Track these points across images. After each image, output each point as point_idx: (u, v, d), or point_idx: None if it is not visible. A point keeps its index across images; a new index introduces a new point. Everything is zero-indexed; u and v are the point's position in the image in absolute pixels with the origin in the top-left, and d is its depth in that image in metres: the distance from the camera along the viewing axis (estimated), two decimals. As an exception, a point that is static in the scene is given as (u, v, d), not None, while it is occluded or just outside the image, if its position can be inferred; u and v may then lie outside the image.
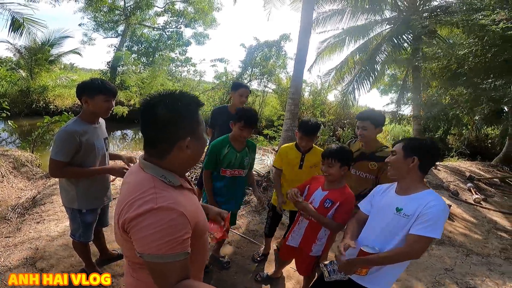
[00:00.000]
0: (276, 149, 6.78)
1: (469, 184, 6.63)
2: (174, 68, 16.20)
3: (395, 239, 1.48)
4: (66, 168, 1.82)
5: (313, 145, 2.49)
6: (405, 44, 9.37)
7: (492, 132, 14.25)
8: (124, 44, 16.43)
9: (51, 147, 1.84)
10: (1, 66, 12.00)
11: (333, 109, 13.90)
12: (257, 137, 8.91)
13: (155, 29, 17.41)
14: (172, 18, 17.08)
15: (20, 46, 14.14)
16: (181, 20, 16.86)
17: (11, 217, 3.30)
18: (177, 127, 0.92)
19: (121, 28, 16.74)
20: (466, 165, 9.11)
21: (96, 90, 1.86)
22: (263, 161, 5.51)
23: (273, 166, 2.61)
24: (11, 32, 6.66)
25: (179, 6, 16.77)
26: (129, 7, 15.66)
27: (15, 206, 3.56)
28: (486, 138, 14.77)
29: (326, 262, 1.63)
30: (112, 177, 2.17)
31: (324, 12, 9.53)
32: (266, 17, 8.83)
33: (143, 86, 9.39)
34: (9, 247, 2.61)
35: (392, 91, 22.95)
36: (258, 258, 2.82)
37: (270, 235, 2.80)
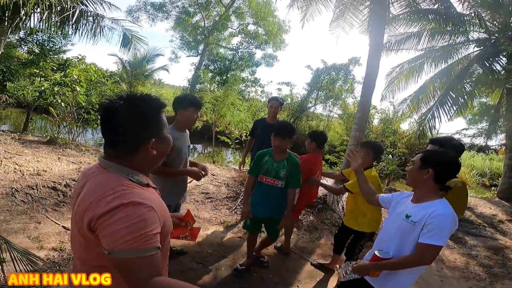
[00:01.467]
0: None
1: None
2: (243, 88, 17.35)
3: (406, 244, 1.56)
4: (160, 166, 2.27)
5: (372, 168, 2.58)
6: (498, 67, 8.23)
7: None
8: (203, 63, 18.36)
9: None
10: (110, 79, 14.48)
11: (406, 139, 12.76)
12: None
13: (229, 49, 19.09)
14: (244, 39, 18.54)
15: (125, 61, 17.07)
16: (252, 41, 18.15)
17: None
18: (142, 130, 0.93)
19: (201, 47, 18.84)
20: None
21: (189, 103, 2.27)
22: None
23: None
24: (122, 47, 7.39)
25: (251, 27, 18.16)
26: (208, 28, 17.60)
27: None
28: None
29: (343, 265, 1.76)
30: (189, 179, 2.56)
31: (397, 35, 9.04)
32: (334, 41, 8.79)
33: (216, 104, 10.32)
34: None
35: (484, 121, 19.94)
36: (314, 262, 3.04)
37: (336, 250, 2.92)
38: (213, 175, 5.76)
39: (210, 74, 17.92)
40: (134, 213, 0.82)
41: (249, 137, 3.91)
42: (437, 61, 9.35)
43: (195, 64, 18.33)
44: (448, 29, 7.91)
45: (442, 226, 1.47)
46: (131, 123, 0.91)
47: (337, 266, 1.71)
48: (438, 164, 1.55)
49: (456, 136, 9.84)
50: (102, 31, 6.64)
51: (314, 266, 3.02)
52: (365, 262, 1.66)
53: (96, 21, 6.50)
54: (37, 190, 3.70)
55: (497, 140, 9.35)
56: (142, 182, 0.95)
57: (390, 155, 9.37)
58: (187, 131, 2.45)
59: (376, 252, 1.60)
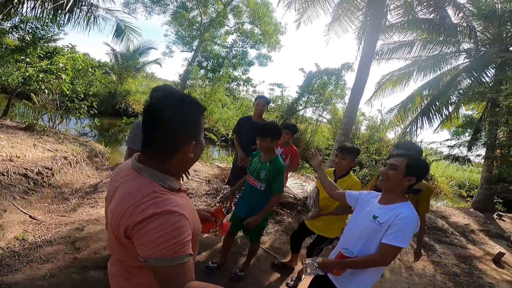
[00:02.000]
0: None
1: None
2: (235, 86, 17.31)
3: (372, 245, 1.58)
4: None
5: (350, 172, 2.51)
6: (486, 79, 8.41)
7: None
8: (196, 59, 18.20)
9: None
10: (99, 69, 14.22)
11: (391, 147, 12.94)
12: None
13: (224, 47, 18.98)
14: (240, 38, 18.47)
15: (118, 52, 16.78)
16: (247, 40, 18.09)
17: (71, 199, 3.90)
18: (185, 132, 0.92)
19: (195, 43, 18.63)
20: None
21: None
22: (303, 186, 5.52)
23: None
24: (114, 37, 7.38)
25: (247, 26, 18.08)
26: (204, 24, 17.45)
27: (78, 189, 4.20)
28: None
29: (308, 261, 1.73)
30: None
31: (390, 43, 9.17)
32: (326, 44, 8.80)
33: (205, 100, 10.22)
34: (60, 225, 3.05)
35: (467, 133, 20.43)
36: (276, 262, 2.99)
37: (293, 249, 2.91)
38: (195, 171, 5.72)
39: (202, 71, 17.77)
40: (168, 222, 0.85)
41: (235, 135, 3.85)
42: (426, 70, 9.52)
43: (188, 60, 18.19)
44: (441, 39, 8.06)
45: (406, 228, 1.50)
46: (175, 123, 0.90)
47: (302, 260, 1.73)
48: (421, 172, 1.59)
49: (436, 146, 10.03)
50: (96, 21, 6.54)
51: (275, 267, 2.97)
52: (330, 259, 1.68)
53: (90, 10, 6.40)
54: (7, 176, 3.57)
55: (477, 153, 9.53)
56: (174, 188, 0.95)
57: (374, 161, 9.47)
58: None
59: (341, 251, 1.62)
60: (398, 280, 3.36)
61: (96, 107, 7.83)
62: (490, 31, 8.13)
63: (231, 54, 18.55)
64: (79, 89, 7.53)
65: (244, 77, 18.18)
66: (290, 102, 12.23)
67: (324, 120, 13.53)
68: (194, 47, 18.42)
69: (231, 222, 2.51)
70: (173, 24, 18.34)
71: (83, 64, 8.25)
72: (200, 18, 17.71)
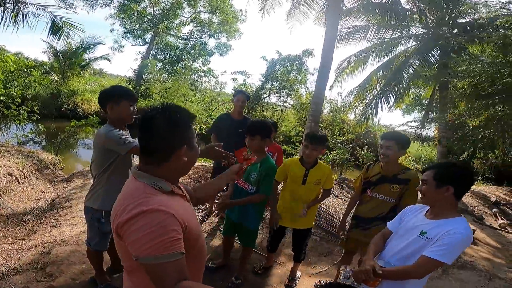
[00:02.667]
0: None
1: (494, 209, 6.55)
2: (196, 78, 16.61)
3: (411, 259, 1.47)
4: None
5: (319, 161, 2.42)
6: (433, 60, 9.08)
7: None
8: (151, 53, 17.02)
9: (117, 146, 1.82)
10: (36, 70, 12.64)
11: (353, 128, 13.63)
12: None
13: (180, 38, 17.97)
14: (197, 28, 17.61)
15: (57, 49, 14.98)
16: (205, 30, 17.33)
17: (28, 219, 3.38)
18: (176, 137, 0.98)
19: (149, 36, 17.37)
20: (491, 190, 8.90)
21: (120, 96, 1.91)
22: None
23: None
24: (50, 35, 6.80)
25: (204, 16, 17.31)
26: (157, 16, 16.28)
27: (33, 208, 3.65)
28: (512, 162, 14.01)
29: (347, 267, 1.69)
30: None
31: (347, 28, 9.44)
32: (289, 31, 8.79)
33: (166, 96, 9.59)
34: (22, 250, 2.63)
35: (416, 111, 22.29)
36: (259, 271, 2.78)
37: (272, 250, 2.76)
38: None
39: (159, 64, 16.71)
40: (153, 220, 0.87)
41: (212, 134, 3.41)
42: (380, 54, 10.01)
43: (142, 54, 16.93)
44: (392, 23, 8.46)
45: (455, 245, 1.38)
46: (165, 129, 0.97)
47: (342, 267, 1.67)
48: (455, 178, 1.45)
49: (403, 128, 10.70)
50: (25, 18, 5.87)
51: (258, 273, 2.79)
52: (363, 269, 1.53)
53: (17, 7, 5.72)
54: None
55: (431, 130, 10.47)
56: (165, 189, 0.97)
57: (341, 144, 9.81)
58: (126, 128, 2.07)
59: (378, 262, 1.53)
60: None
61: (38, 111, 6.95)
62: (434, 14, 8.74)
63: (189, 45, 17.65)
64: (15, 93, 6.59)
65: (205, 68, 17.47)
66: (254, 90, 12.11)
67: (289, 106, 13.70)
68: (147, 40, 17.16)
69: (224, 225, 2.42)
70: (121, 17, 16.81)
71: (15, 66, 7.25)
72: (151, 9, 16.45)
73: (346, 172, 9.79)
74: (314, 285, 2.70)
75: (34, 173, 4.56)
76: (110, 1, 15.83)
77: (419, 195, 1.61)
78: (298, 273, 2.80)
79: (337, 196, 5.51)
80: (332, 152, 9.22)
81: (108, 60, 17.00)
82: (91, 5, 15.53)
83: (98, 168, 1.94)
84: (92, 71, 19.44)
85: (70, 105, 13.43)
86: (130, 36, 17.51)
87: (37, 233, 3.02)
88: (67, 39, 7.26)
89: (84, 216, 2.11)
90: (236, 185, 2.32)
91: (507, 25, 5.72)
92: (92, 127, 6.79)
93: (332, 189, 3.25)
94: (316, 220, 3.82)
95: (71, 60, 14.70)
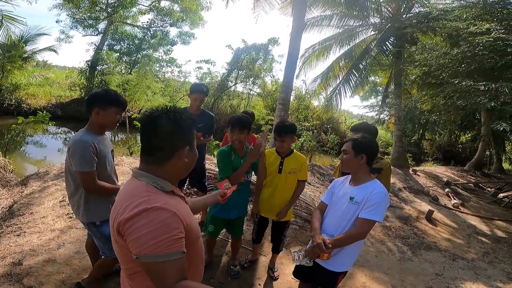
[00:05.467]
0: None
1: (447, 189, 6.94)
2: (158, 68, 15.74)
3: (349, 224, 1.73)
4: (99, 182, 1.79)
5: (294, 150, 2.50)
6: (389, 48, 9.67)
7: (464, 137, 15.13)
8: (105, 43, 15.72)
9: (73, 161, 1.73)
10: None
11: (317, 114, 14.13)
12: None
13: (139, 27, 16.79)
14: (156, 17, 16.56)
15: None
16: (166, 19, 16.38)
17: (-14, 230, 3.02)
18: (179, 137, 1.00)
19: (102, 26, 16.00)
20: (441, 170, 9.57)
21: (110, 102, 1.80)
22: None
23: None
24: None
25: (164, 4, 16.31)
26: (111, 4, 15.01)
27: (-10, 217, 3.27)
28: (457, 143, 15.72)
29: (295, 249, 1.85)
30: None
31: (312, 18, 9.65)
32: (254, 20, 8.74)
33: (128, 88, 8.94)
34: None
35: (372, 97, 23.77)
36: (245, 264, 2.82)
37: (258, 241, 2.79)
38: None
39: (115, 55, 15.48)
40: (156, 218, 0.87)
41: None
42: (342, 42, 10.43)
43: (95, 44, 15.54)
44: (355, 13, 8.80)
45: (380, 203, 1.66)
46: (171, 130, 0.98)
47: (291, 251, 1.86)
48: (367, 148, 1.77)
49: (365, 111, 11.41)
50: None
51: (244, 266, 2.81)
52: (312, 245, 1.75)
53: None
54: None
55: (385, 114, 11.29)
56: (166, 189, 0.98)
57: (310, 131, 10.14)
58: (106, 133, 1.97)
59: (322, 236, 1.73)
60: (366, 250, 3.54)
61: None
62: (391, 5, 9.27)
63: (149, 34, 16.56)
64: None
65: (166, 57, 16.57)
66: (219, 79, 11.91)
67: (255, 94, 13.74)
68: (100, 30, 15.75)
69: (214, 227, 2.41)
70: (68, 7, 15.18)
71: None
72: None
73: (314, 159, 10.19)
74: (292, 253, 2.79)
75: (-17, 179, 4.06)
76: (54, -10, 14.15)
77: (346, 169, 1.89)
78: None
79: (309, 183, 5.68)
80: (300, 139, 9.51)
81: (55, 51, 15.41)
82: (32, -4, 13.80)
83: (76, 179, 1.81)
84: (35, 64, 17.47)
85: (13, 101, 12.11)
86: (79, 26, 15.96)
87: (1, 243, 2.72)
88: (7, 32, 6.47)
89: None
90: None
91: (463, 16, 6.25)
92: (41, 124, 6.20)
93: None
94: (294, 209, 3.91)
95: (11, 53, 13.09)
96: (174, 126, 0.99)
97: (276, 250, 2.73)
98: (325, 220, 1.88)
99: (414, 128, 14.19)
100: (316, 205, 2.35)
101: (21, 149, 8.42)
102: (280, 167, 2.40)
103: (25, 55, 14.11)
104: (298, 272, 2.07)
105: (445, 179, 7.87)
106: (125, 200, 0.93)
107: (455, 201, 6.13)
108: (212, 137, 3.53)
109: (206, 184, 3.47)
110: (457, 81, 5.86)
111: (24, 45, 13.76)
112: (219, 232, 2.56)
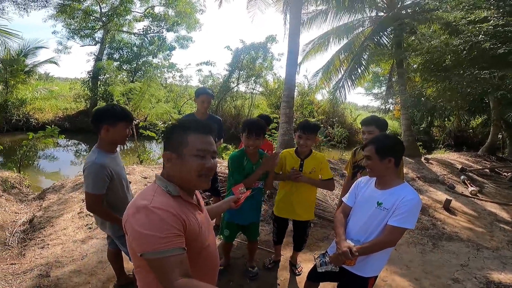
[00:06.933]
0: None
1: (462, 177, 6.76)
2: (159, 74, 15.78)
3: (377, 230, 1.63)
4: (104, 206, 1.82)
5: (313, 150, 2.44)
6: (387, 39, 9.57)
7: (474, 122, 14.84)
8: (104, 52, 15.80)
9: (85, 182, 1.78)
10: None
11: (322, 108, 14.03)
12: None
13: (135, 34, 16.86)
14: (152, 23, 16.60)
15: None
16: (162, 24, 16.41)
17: (11, 243, 3.09)
18: (167, 145, 1.08)
19: (98, 35, 16.06)
20: (454, 157, 9.33)
21: (119, 118, 1.81)
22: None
23: None
24: None
25: (159, 10, 16.33)
26: (105, 13, 15.05)
27: (13, 231, 3.33)
28: (468, 127, 15.40)
29: (318, 255, 1.76)
30: None
31: (308, 13, 9.58)
32: (250, 19, 8.69)
33: (132, 97, 8.93)
34: (18, 275, 2.44)
35: (376, 87, 23.55)
36: (269, 266, 2.81)
37: (279, 242, 2.78)
38: (145, 178, 4.99)
39: (115, 63, 15.58)
40: (155, 218, 0.92)
41: None
42: (341, 36, 10.34)
43: (94, 54, 15.64)
44: (347, 5, 8.69)
45: (412, 210, 1.56)
46: (169, 132, 1.09)
47: (314, 256, 1.78)
48: (393, 149, 1.64)
49: (370, 100, 11.36)
50: None
51: (268, 267, 2.82)
52: (338, 252, 1.64)
53: None
54: None
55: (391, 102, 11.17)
56: (173, 192, 1.03)
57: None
58: (117, 149, 1.98)
59: (348, 241, 1.65)
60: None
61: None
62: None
63: (147, 41, 16.63)
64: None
65: (166, 63, 16.63)
66: (221, 81, 11.91)
67: (257, 93, 13.71)
68: (98, 39, 15.82)
69: (229, 231, 2.42)
70: (63, 18, 15.27)
71: None
72: (98, 6, 15.10)
73: (323, 154, 10.11)
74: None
75: (2, 195, 4.13)
76: (45, 2, 14.19)
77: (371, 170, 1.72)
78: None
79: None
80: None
81: (55, 63, 15.53)
82: (24, 8, 13.83)
83: None
84: (38, 77, 17.66)
85: (21, 116, 12.24)
86: (76, 36, 16.05)
87: (26, 256, 2.78)
88: (5, 48, 6.52)
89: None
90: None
91: (459, 6, 6.19)
92: (51, 138, 6.29)
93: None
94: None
95: (12, 67, 13.24)
96: (166, 134, 1.10)
97: (298, 249, 2.74)
98: (349, 224, 1.79)
99: (422, 115, 13.96)
100: (336, 205, 2.28)
101: (34, 163, 8.53)
102: (300, 169, 2.37)
103: (27, 69, 14.27)
104: (317, 274, 1.91)
105: (459, 166, 7.67)
106: (135, 199, 1.00)
107: (472, 188, 5.96)
108: (222, 141, 3.53)
109: (218, 188, 3.48)
110: (461, 71, 5.80)
111: (24, 59, 13.91)
112: (235, 236, 2.56)
